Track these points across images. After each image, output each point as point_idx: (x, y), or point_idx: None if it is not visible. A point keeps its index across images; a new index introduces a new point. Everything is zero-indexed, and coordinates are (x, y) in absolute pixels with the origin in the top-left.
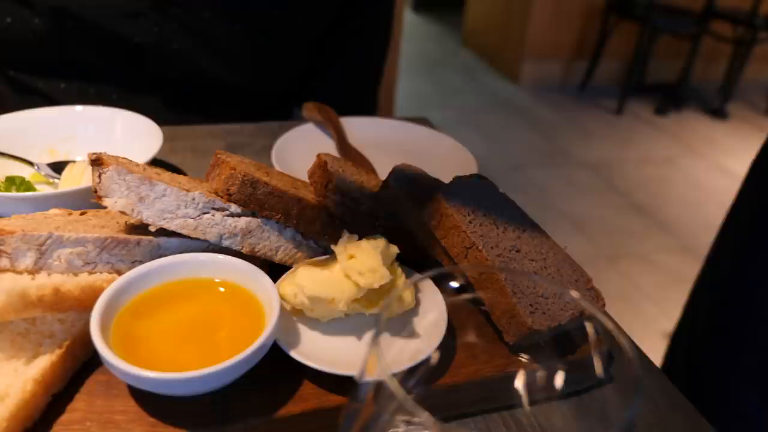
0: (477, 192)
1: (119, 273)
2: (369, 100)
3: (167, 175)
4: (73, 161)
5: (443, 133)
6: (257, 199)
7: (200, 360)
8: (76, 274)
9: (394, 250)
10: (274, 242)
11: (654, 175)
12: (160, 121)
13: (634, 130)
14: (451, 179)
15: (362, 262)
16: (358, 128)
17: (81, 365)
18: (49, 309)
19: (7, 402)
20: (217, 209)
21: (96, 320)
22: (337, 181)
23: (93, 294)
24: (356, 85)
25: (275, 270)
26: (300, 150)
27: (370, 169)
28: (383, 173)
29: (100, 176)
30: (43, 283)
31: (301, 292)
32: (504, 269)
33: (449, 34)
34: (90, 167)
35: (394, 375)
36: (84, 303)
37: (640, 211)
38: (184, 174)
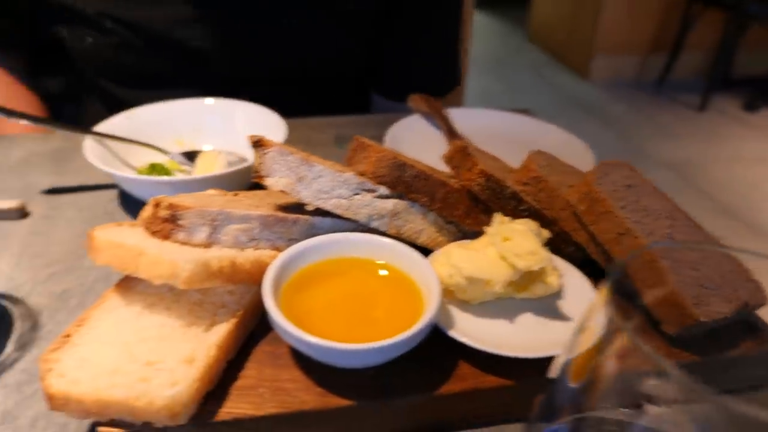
0: (625, 178)
1: (278, 249)
2: (452, 74)
3: (315, 158)
4: (202, 151)
5: (550, 123)
6: (405, 182)
7: (360, 335)
8: (242, 249)
9: (545, 233)
10: (418, 225)
11: (743, 176)
12: None
13: (720, 128)
14: (597, 164)
15: (519, 244)
16: (464, 119)
17: (248, 335)
18: (225, 280)
19: (196, 364)
20: (367, 190)
21: (268, 291)
22: (481, 164)
23: (260, 268)
24: (433, 60)
25: None
26: (412, 140)
27: None
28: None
29: (262, 157)
30: (222, 255)
31: (459, 273)
32: (665, 256)
33: (514, 30)
34: (220, 154)
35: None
36: (253, 276)
37: (729, 214)
38: None
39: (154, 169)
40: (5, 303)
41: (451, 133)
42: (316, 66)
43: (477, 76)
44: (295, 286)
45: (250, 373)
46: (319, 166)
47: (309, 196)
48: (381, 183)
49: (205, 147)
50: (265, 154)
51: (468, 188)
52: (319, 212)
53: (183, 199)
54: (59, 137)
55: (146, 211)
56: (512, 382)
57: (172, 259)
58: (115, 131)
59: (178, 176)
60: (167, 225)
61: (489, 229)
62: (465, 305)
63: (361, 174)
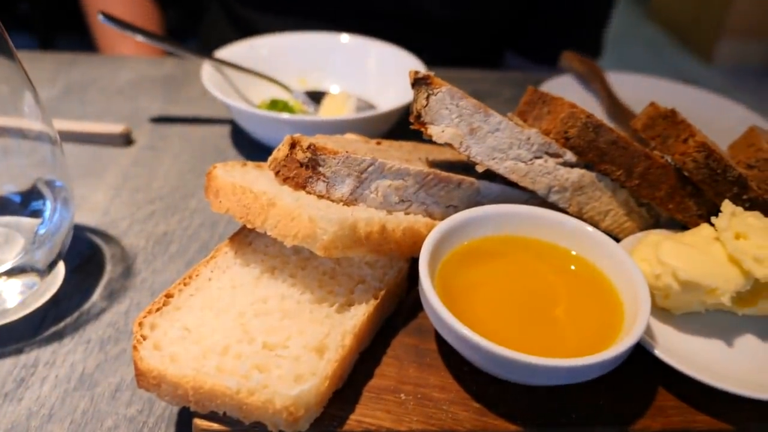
0: None
1: (432, 217)
2: (597, 44)
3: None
4: (328, 93)
5: (722, 97)
6: (598, 148)
7: (536, 340)
8: (389, 212)
9: None
10: (605, 204)
11: None
12: None
13: None
14: None
15: (759, 245)
16: (624, 86)
17: (386, 320)
18: (371, 249)
19: (327, 356)
20: (551, 155)
21: (425, 273)
22: (701, 135)
23: (413, 238)
24: (583, 25)
25: None
26: None
27: None
28: None
29: (428, 98)
30: (370, 217)
31: (670, 275)
32: None
33: (632, 5)
34: (349, 98)
35: None
36: (402, 248)
37: None
38: None
39: (276, 106)
40: (97, 241)
41: (611, 99)
42: (460, 7)
43: None
44: (454, 265)
45: (388, 371)
46: (498, 117)
47: (481, 153)
48: (569, 146)
49: (331, 88)
50: (432, 94)
51: (678, 164)
52: (487, 175)
53: (324, 142)
54: (173, 63)
55: (280, 152)
56: (731, 427)
57: (311, 216)
58: (235, 60)
59: (303, 116)
60: (304, 171)
61: (717, 221)
62: (665, 314)
63: (546, 132)
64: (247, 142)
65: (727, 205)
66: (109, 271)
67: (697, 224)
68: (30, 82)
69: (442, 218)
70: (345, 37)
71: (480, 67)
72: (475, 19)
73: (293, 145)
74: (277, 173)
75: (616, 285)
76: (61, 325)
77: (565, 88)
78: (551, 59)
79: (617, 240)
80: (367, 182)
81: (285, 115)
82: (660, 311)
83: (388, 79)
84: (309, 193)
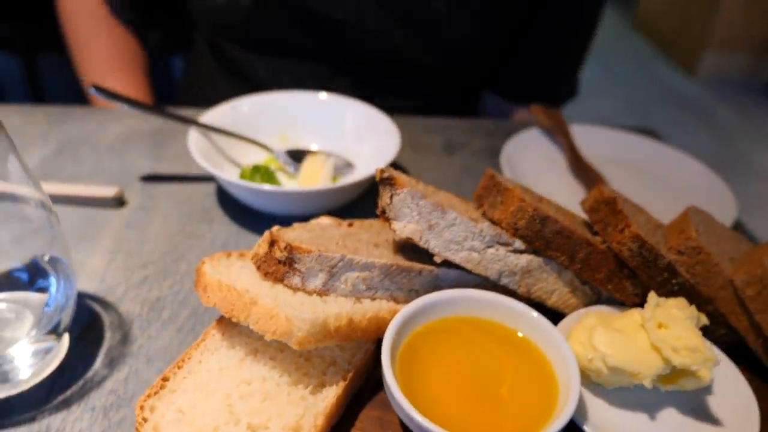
0: None
1: (396, 300)
2: (573, 84)
3: (441, 194)
4: (310, 151)
5: (682, 152)
6: (544, 237)
7: (484, 420)
8: (358, 299)
9: (703, 319)
10: (551, 284)
11: None
12: None
13: None
14: None
15: (677, 336)
16: (585, 138)
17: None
18: (340, 339)
19: None
20: (502, 244)
21: (387, 363)
22: (635, 226)
23: (377, 325)
24: (559, 67)
25: None
26: (530, 157)
27: None
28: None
29: (391, 198)
30: (339, 313)
31: (601, 359)
32: None
33: (618, 15)
34: (328, 159)
35: None
36: (368, 334)
37: None
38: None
39: (258, 171)
40: (96, 308)
41: (574, 155)
42: (445, 56)
43: None
44: (415, 345)
45: None
46: (453, 214)
47: (438, 246)
48: (518, 236)
49: (311, 146)
50: (395, 195)
51: (616, 251)
52: (445, 263)
53: (299, 235)
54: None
55: (260, 248)
56: None
57: (287, 315)
58: (219, 120)
59: (284, 186)
60: (282, 267)
61: (643, 312)
62: (598, 388)
63: (496, 223)
64: (232, 202)
65: (652, 296)
66: (109, 338)
67: (633, 302)
68: (14, 147)
69: (406, 301)
70: (323, 95)
71: (456, 107)
72: (462, 66)
73: (272, 244)
74: (258, 267)
75: (553, 366)
76: (68, 393)
77: (532, 141)
78: (527, 99)
79: (563, 314)
80: (338, 275)
81: (266, 187)
82: (594, 385)
83: (363, 137)
84: (286, 286)
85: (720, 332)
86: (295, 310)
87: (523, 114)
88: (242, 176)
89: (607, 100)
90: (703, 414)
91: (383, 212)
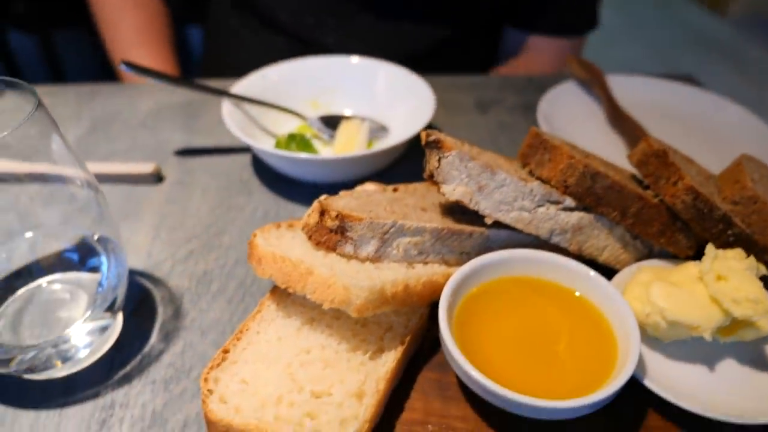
0: None
1: (447, 264)
2: (589, 14)
3: (486, 154)
4: (343, 116)
5: (724, 98)
6: (595, 193)
7: (542, 376)
8: (410, 265)
9: (763, 269)
10: (602, 241)
11: None
12: (378, 52)
13: None
14: None
15: (737, 287)
16: (623, 88)
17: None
18: (397, 305)
19: (365, 401)
20: (553, 202)
21: (445, 326)
22: (688, 177)
23: (433, 288)
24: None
25: None
26: (567, 112)
27: None
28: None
29: (439, 161)
30: (395, 279)
31: (659, 314)
32: None
33: None
34: (363, 123)
35: None
36: (424, 298)
37: None
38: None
39: (294, 140)
40: (146, 284)
41: (613, 107)
42: None
43: None
44: (469, 307)
45: (415, 404)
46: (502, 174)
47: (489, 207)
48: (568, 193)
49: (344, 111)
50: (443, 158)
51: (669, 204)
52: (495, 224)
53: (348, 203)
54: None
55: (311, 218)
56: None
57: (344, 285)
58: (250, 91)
59: (321, 154)
60: (334, 236)
61: (700, 265)
62: (655, 342)
63: (545, 181)
64: (269, 171)
65: (710, 249)
66: (161, 313)
67: (686, 255)
68: (57, 127)
69: (457, 264)
70: (355, 59)
71: (480, 47)
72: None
73: (323, 213)
74: (310, 237)
75: (611, 323)
76: (128, 368)
77: (567, 95)
78: (546, 28)
79: (614, 270)
80: (390, 241)
81: (305, 155)
82: (651, 340)
83: (396, 99)
84: (339, 254)
85: None
86: (351, 279)
87: (541, 46)
88: (278, 146)
89: (631, 46)
90: (763, 363)
91: (431, 176)
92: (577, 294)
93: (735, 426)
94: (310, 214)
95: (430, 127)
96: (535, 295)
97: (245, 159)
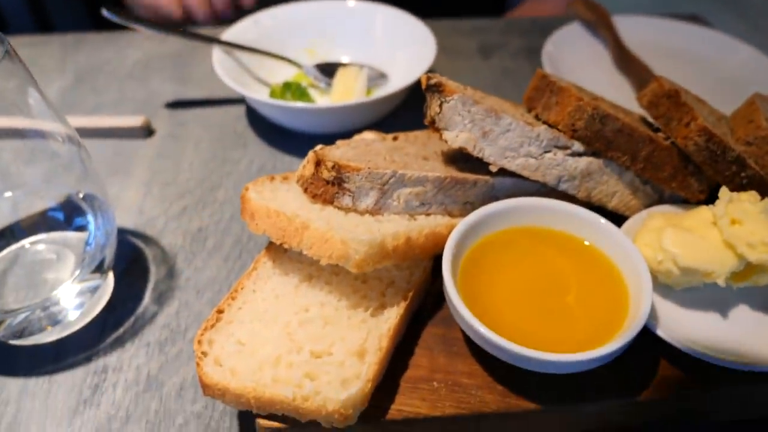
0: None
1: (450, 214)
2: None
3: (491, 99)
4: (340, 64)
5: (732, 37)
6: (605, 137)
7: (552, 328)
8: (412, 217)
9: None
10: (611, 186)
11: None
12: None
13: None
14: None
15: (752, 231)
16: (629, 29)
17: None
18: (398, 258)
19: (368, 359)
20: (560, 147)
21: (449, 278)
22: (701, 119)
23: (436, 240)
24: None
25: None
26: (573, 56)
27: None
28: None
29: (441, 105)
30: (396, 232)
31: (671, 261)
32: None
33: None
34: (362, 71)
35: None
36: (426, 251)
37: None
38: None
39: (289, 88)
40: (138, 243)
41: (620, 48)
42: None
43: None
44: (475, 259)
45: (420, 361)
46: (507, 119)
47: (493, 154)
48: (576, 137)
49: (341, 58)
50: (445, 102)
51: (680, 146)
52: (501, 172)
53: (345, 153)
54: (178, 38)
55: (306, 169)
56: (720, 390)
57: (342, 239)
58: (243, 38)
59: (318, 103)
60: (331, 188)
61: (714, 209)
62: (667, 290)
63: (552, 125)
64: (264, 123)
65: (724, 192)
66: (154, 272)
67: (698, 199)
68: (33, 80)
69: (461, 215)
70: (351, 2)
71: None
72: None
73: (318, 164)
74: (305, 190)
75: (622, 272)
76: (121, 330)
77: (573, 37)
78: None
79: (624, 217)
80: (390, 192)
81: (300, 105)
82: (663, 287)
83: (395, 45)
84: (337, 207)
85: None
86: (350, 232)
87: None
88: (272, 95)
89: None
90: None
91: (433, 122)
92: (587, 243)
93: (747, 374)
94: (305, 165)
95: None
96: (543, 245)
97: (239, 110)
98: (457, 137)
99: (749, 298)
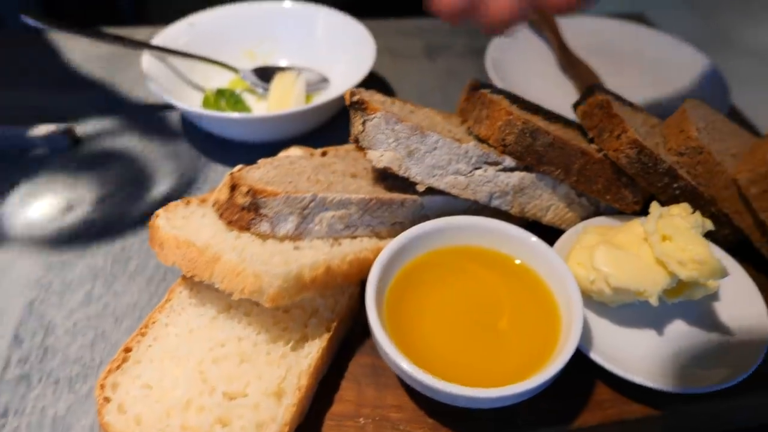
0: None
1: (378, 236)
2: None
3: (421, 112)
4: (279, 68)
5: (674, 37)
6: (536, 151)
7: (483, 359)
8: (336, 240)
9: (708, 225)
10: (546, 201)
11: None
12: None
13: None
14: None
15: (682, 248)
16: (573, 29)
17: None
18: (319, 289)
19: (285, 401)
20: (491, 163)
21: (372, 308)
22: (632, 131)
23: (359, 267)
24: None
25: None
26: (518, 58)
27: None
28: (610, 84)
29: (364, 124)
30: (315, 261)
31: (603, 281)
32: None
33: None
34: (299, 76)
35: None
36: (351, 278)
37: None
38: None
39: (223, 95)
40: (56, 262)
41: (564, 52)
42: None
43: None
44: (403, 284)
45: (347, 395)
46: (434, 136)
47: (420, 173)
48: (508, 152)
49: (280, 61)
50: (368, 120)
51: (613, 159)
52: (430, 190)
53: (265, 174)
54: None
55: (221, 193)
56: (661, 412)
57: (255, 272)
58: (176, 42)
59: (254, 111)
60: (247, 214)
61: (645, 225)
62: (602, 307)
63: (483, 140)
64: (199, 131)
65: (654, 207)
66: (69, 298)
67: (633, 210)
68: None
69: (390, 236)
70: (288, 3)
71: None
72: None
73: (233, 188)
74: (221, 215)
75: (554, 293)
76: (26, 366)
77: (517, 39)
78: None
79: (561, 230)
80: (311, 217)
81: (231, 115)
82: (597, 304)
83: (336, 48)
84: (255, 234)
85: (724, 232)
86: (264, 264)
87: None
88: (205, 103)
89: None
90: (711, 320)
91: (356, 141)
92: (518, 262)
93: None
94: (220, 188)
95: (374, 77)
96: (474, 265)
97: (173, 117)
98: (381, 157)
99: (684, 311)
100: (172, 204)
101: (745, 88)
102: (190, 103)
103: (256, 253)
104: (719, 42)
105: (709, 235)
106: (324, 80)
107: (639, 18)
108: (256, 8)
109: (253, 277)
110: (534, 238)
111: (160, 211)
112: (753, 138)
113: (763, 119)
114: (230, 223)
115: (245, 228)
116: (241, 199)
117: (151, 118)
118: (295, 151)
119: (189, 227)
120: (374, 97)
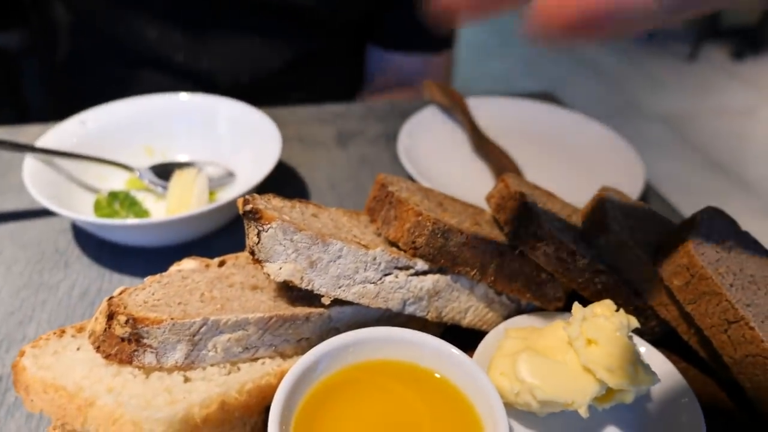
0: (726, 237)
1: (283, 355)
2: (445, 35)
3: (325, 214)
4: (178, 164)
5: (583, 116)
6: (449, 252)
7: None
8: (234, 365)
9: (634, 323)
10: (463, 303)
11: (732, 128)
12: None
13: (709, 78)
14: (694, 219)
15: (609, 353)
16: (484, 109)
17: None
18: (214, 429)
19: None
20: (401, 268)
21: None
22: (547, 226)
23: (261, 395)
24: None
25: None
26: (430, 139)
27: (513, 167)
28: (524, 165)
29: (259, 235)
30: (207, 396)
31: (529, 393)
32: None
33: None
34: (200, 173)
35: None
36: (251, 409)
37: (718, 168)
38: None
39: (116, 198)
40: None
41: (476, 134)
42: (325, 3)
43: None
44: (311, 408)
45: None
46: (338, 244)
47: (325, 284)
48: (419, 255)
49: (180, 157)
50: (263, 231)
51: (531, 257)
52: (337, 302)
53: (151, 295)
54: None
55: (98, 323)
56: None
57: (134, 418)
58: (65, 142)
59: (155, 212)
60: (128, 346)
61: (569, 329)
62: (529, 417)
63: (393, 242)
64: (91, 237)
65: (576, 310)
66: None
67: (556, 307)
68: None
69: (296, 353)
70: (185, 96)
71: (343, 66)
72: (337, 12)
73: (111, 317)
74: (98, 348)
75: (477, 408)
76: None
77: (428, 122)
78: (405, 46)
79: (482, 332)
80: (203, 343)
81: (122, 222)
82: (524, 413)
83: (240, 140)
84: (137, 367)
85: (650, 324)
86: (144, 409)
87: (403, 64)
88: (97, 207)
89: (504, 60)
90: (644, 422)
91: (252, 253)
92: (438, 375)
93: None
94: (97, 317)
95: (283, 167)
96: (391, 381)
97: (63, 223)
98: (280, 270)
99: (616, 414)
100: (43, 337)
101: (654, 152)
102: (82, 208)
103: (136, 393)
104: (630, 110)
105: (635, 330)
106: (229, 174)
107: (548, 97)
108: (152, 103)
109: (131, 425)
110: (454, 350)
111: (27, 348)
112: (668, 222)
113: (674, 184)
114: (108, 357)
115: (127, 361)
116: (120, 330)
117: (37, 224)
118: (188, 264)
119: (60, 365)
120: (271, 203)
